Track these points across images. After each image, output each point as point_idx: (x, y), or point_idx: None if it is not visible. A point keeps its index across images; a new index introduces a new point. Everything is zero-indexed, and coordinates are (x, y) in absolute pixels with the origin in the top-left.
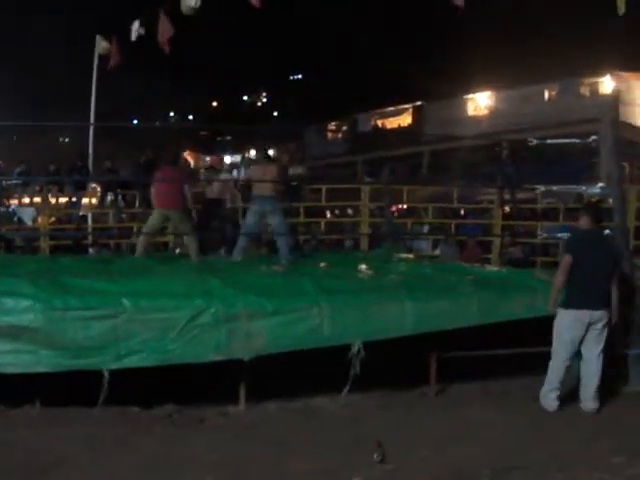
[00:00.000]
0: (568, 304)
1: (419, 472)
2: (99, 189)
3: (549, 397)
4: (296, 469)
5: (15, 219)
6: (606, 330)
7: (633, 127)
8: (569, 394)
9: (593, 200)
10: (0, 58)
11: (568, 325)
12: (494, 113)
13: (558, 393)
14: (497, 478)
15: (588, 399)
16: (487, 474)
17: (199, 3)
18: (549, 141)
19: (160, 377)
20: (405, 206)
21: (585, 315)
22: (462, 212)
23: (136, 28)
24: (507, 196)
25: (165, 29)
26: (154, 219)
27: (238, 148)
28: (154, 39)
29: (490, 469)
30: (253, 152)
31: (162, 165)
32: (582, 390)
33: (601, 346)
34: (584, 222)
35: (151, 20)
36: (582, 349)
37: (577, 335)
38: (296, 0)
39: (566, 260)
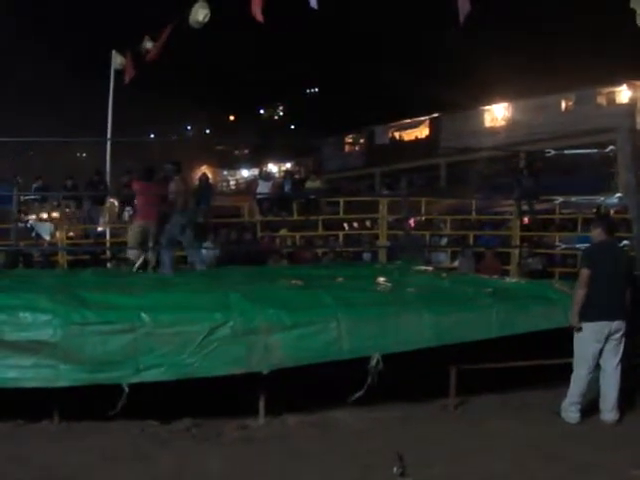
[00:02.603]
0: (587, 317)
1: None
2: (117, 204)
3: (570, 410)
4: None
5: (33, 234)
6: (624, 340)
7: None
8: (589, 405)
9: (605, 211)
10: (16, 76)
11: (588, 338)
12: (511, 124)
13: (579, 406)
14: None
15: (608, 410)
16: None
17: (207, 18)
18: (566, 151)
19: (179, 391)
20: (423, 218)
21: (604, 326)
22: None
23: (145, 43)
24: (525, 207)
25: (160, 43)
26: (136, 234)
27: (255, 162)
28: (167, 54)
29: None
30: (271, 165)
31: (139, 179)
32: (602, 401)
33: (619, 356)
34: (598, 234)
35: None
36: (600, 360)
37: (597, 347)
38: (312, 13)
39: (585, 274)
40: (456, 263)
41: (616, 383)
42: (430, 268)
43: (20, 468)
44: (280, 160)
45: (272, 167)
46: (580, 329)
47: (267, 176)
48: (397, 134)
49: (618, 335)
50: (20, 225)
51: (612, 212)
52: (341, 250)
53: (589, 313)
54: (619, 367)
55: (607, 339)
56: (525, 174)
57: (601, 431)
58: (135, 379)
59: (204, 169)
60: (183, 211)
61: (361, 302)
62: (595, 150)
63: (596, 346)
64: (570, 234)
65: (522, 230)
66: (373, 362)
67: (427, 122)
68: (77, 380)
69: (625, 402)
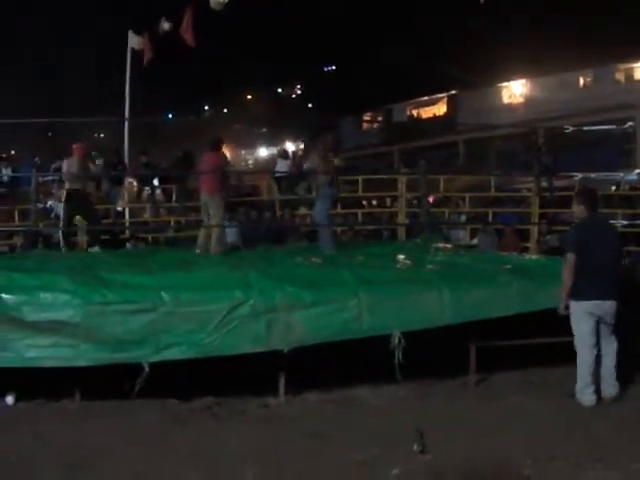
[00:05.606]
0: (577, 296)
1: (459, 462)
2: (135, 184)
3: (585, 392)
4: (336, 460)
5: (52, 215)
6: (616, 320)
7: None
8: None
9: (585, 187)
10: (34, 57)
11: (582, 317)
12: (529, 101)
13: (593, 387)
14: (538, 467)
15: (608, 384)
16: (528, 464)
17: None
18: (585, 128)
19: (199, 369)
20: (442, 196)
21: (596, 306)
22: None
23: (163, 25)
24: (544, 184)
25: (188, 24)
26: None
27: (273, 141)
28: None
29: (531, 458)
30: (289, 144)
31: (205, 151)
32: (602, 380)
33: (614, 335)
34: (581, 211)
35: (180, 16)
36: None
37: (593, 325)
38: None
39: (570, 259)
40: (475, 240)
41: (613, 360)
42: (449, 245)
43: (44, 446)
44: (298, 138)
45: (290, 146)
46: (568, 313)
47: (285, 154)
48: (415, 112)
49: (611, 315)
50: (39, 206)
51: (629, 188)
52: (360, 228)
53: (579, 292)
54: (615, 344)
55: (601, 318)
56: (544, 151)
57: (621, 409)
58: (156, 358)
59: (223, 148)
60: (330, 184)
61: (381, 280)
62: (614, 126)
63: (590, 322)
64: None
65: (541, 207)
66: (395, 340)
67: (445, 99)
68: (98, 359)
69: None
